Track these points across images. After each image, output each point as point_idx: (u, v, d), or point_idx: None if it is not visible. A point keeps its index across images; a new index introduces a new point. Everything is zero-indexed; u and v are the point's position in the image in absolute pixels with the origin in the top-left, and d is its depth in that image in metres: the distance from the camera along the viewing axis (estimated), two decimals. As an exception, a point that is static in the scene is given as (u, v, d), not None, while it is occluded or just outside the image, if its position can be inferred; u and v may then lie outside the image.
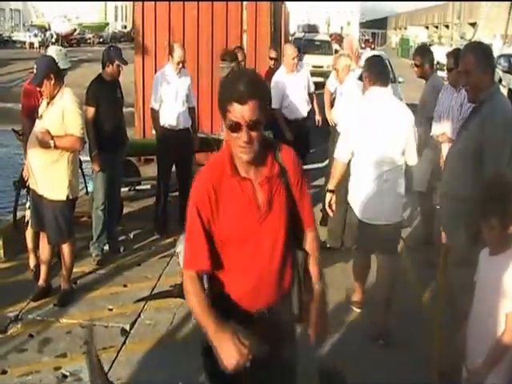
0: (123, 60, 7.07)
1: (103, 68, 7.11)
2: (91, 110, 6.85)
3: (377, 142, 5.25)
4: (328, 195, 5.55)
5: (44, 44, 45.46)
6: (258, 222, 2.86)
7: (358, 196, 5.43)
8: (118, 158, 7.28)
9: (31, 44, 47.45)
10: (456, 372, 4.05)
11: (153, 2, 11.19)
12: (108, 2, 71.10)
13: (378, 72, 5.48)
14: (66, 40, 49.06)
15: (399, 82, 14.73)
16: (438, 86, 7.21)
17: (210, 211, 2.82)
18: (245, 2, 11.12)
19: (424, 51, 7.79)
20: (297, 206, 3.01)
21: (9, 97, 20.32)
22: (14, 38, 52.46)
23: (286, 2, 19.17)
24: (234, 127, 2.71)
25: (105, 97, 6.98)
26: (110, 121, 7.00)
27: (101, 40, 57.54)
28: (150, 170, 9.86)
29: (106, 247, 7.22)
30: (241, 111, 2.68)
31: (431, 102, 6.99)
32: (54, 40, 46.61)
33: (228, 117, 2.72)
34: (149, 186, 9.39)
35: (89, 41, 56.72)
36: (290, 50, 8.86)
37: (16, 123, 15.17)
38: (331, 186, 5.56)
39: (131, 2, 10.39)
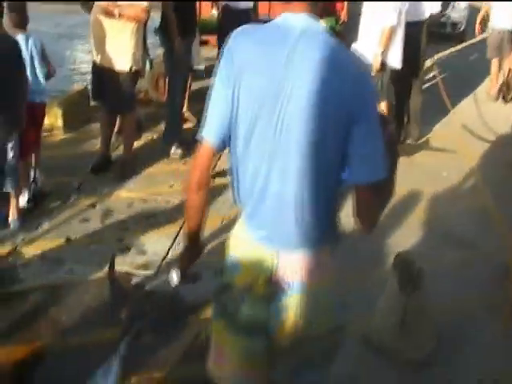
0: None
1: None
2: None
3: None
4: (379, 58, 6.39)
5: None
6: None
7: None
8: (191, 42, 6.89)
9: None
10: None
11: None
12: None
13: None
14: None
15: None
16: None
17: None
18: None
19: None
20: None
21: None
22: None
23: None
24: None
25: None
26: (188, 2, 6.58)
27: None
28: (204, 52, 9.59)
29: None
30: None
31: None
32: None
33: None
34: (203, 67, 9.16)
35: None
36: None
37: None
38: (382, 48, 6.39)
39: None
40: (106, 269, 4.04)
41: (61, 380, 3.36)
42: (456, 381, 3.61)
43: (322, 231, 2.17)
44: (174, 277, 2.51)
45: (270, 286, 2.16)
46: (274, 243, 2.16)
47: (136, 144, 6.38)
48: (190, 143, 6.71)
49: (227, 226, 5.12)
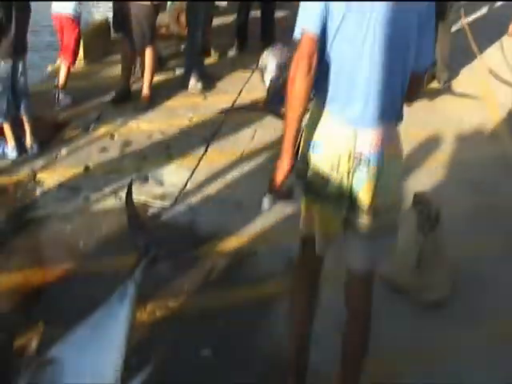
0: None
1: None
2: None
3: None
4: None
5: None
6: None
7: None
8: None
9: None
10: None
11: None
12: None
13: None
14: None
15: None
16: None
17: None
18: None
19: None
20: None
21: None
22: None
23: None
24: None
25: None
26: None
27: None
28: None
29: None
30: None
31: None
32: None
33: None
34: (225, 3, 9.02)
35: None
36: None
37: None
38: None
39: None
40: (124, 197, 4.08)
41: (77, 303, 3.39)
42: (468, 326, 3.59)
43: (394, 110, 2.53)
44: (266, 203, 2.57)
45: (352, 161, 2.44)
46: (354, 123, 2.44)
47: (156, 77, 6.32)
48: (210, 77, 6.68)
49: (247, 158, 5.13)
